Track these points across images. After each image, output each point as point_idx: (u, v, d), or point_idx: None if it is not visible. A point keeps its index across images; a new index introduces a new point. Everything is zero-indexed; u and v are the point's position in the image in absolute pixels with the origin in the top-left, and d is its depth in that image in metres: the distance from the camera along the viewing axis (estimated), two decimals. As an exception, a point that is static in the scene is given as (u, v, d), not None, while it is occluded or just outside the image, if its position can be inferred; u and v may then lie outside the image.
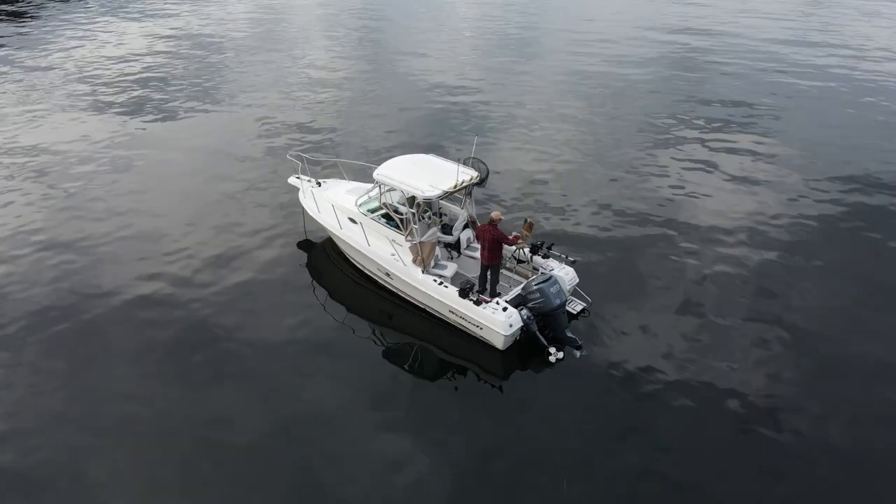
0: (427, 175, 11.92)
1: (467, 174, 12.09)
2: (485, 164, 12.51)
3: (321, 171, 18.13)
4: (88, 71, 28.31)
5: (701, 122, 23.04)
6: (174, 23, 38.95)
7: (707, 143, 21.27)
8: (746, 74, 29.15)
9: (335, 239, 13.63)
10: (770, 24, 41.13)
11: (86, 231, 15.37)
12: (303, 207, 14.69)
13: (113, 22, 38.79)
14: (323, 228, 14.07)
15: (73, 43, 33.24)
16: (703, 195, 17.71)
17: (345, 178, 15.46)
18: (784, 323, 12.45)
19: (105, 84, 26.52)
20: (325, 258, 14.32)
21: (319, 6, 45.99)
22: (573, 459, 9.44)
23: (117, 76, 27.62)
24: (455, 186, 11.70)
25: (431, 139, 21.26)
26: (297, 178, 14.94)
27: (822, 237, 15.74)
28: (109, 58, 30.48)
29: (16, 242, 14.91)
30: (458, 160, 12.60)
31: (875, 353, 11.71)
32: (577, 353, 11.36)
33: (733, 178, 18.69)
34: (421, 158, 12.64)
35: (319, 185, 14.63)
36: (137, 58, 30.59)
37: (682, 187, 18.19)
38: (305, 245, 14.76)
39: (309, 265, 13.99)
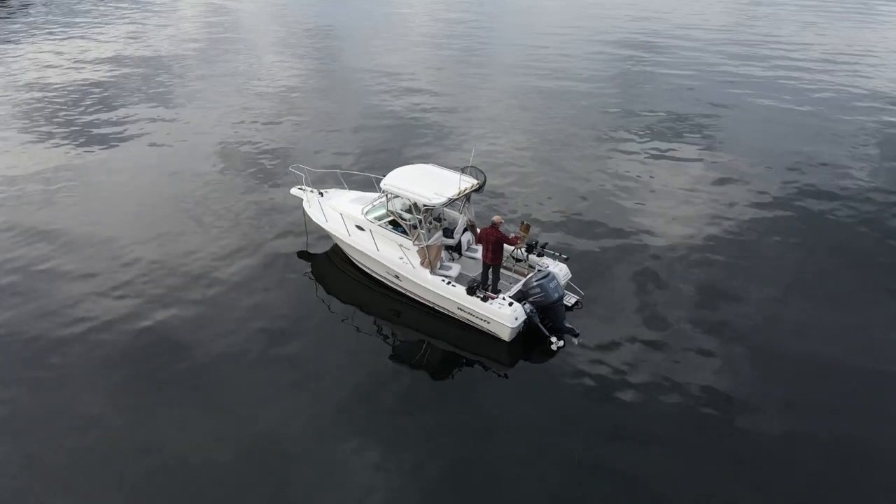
0: (431, 183, 12.95)
1: (468, 182, 13.16)
2: (482, 172, 13.62)
3: (315, 182, 19.00)
4: (33, 90, 28.47)
5: (646, 132, 24.48)
6: (122, 39, 39.11)
7: (657, 152, 22.74)
8: (696, 86, 30.89)
9: (343, 246, 14.55)
10: (712, 36, 43.24)
11: (81, 239, 15.95)
12: (306, 217, 15.54)
13: (60, 39, 38.72)
14: (327, 236, 14.90)
15: (14, 62, 33.21)
16: (655, 199, 19.17)
17: (345, 188, 16.36)
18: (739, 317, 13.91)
19: (60, 104, 26.74)
20: (329, 264, 15.20)
21: (272, 19, 46.58)
22: (579, 436, 10.60)
23: (69, 93, 27.87)
24: (458, 193, 12.76)
25: (413, 149, 22.31)
26: (301, 188, 15.77)
27: (780, 236, 17.33)
28: (59, 74, 30.60)
29: None
30: (458, 169, 13.68)
31: (816, 348, 13.21)
32: (576, 341, 12.53)
33: (683, 186, 20.12)
34: (424, 168, 13.66)
35: (322, 195, 15.51)
36: (83, 75, 30.83)
37: (634, 192, 19.64)
38: (308, 254, 15.59)
39: (315, 272, 14.84)
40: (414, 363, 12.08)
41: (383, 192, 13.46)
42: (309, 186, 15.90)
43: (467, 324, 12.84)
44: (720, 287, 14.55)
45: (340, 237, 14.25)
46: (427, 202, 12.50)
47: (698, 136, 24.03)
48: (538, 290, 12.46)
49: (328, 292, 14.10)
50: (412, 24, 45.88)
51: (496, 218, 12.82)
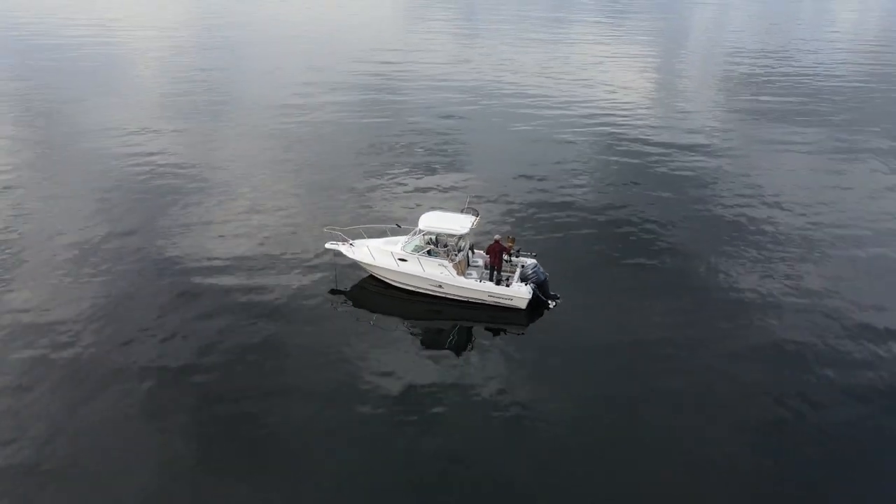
0: (452, 221, 20.04)
1: (472, 217, 20.42)
2: (476, 210, 21.00)
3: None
4: None
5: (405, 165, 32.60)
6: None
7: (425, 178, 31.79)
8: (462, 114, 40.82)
9: (389, 274, 20.79)
10: (440, 71, 54.99)
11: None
12: (336, 260, 21.41)
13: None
14: (349, 275, 20.93)
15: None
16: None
17: (364, 236, 22.34)
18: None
19: None
20: (364, 291, 21.27)
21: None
22: (580, 367, 18.51)
23: None
24: (472, 224, 20.01)
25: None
26: (335, 244, 21.55)
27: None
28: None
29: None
30: (461, 210, 20.92)
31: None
32: (559, 301, 20.43)
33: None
34: (440, 213, 20.68)
35: (353, 245, 21.50)
36: None
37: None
38: (338, 291, 21.26)
39: (353, 299, 20.80)
40: (466, 336, 19.10)
41: (421, 231, 20.17)
42: (346, 239, 21.57)
43: (495, 305, 20.09)
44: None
45: (389, 268, 20.54)
46: (458, 232, 19.61)
47: (448, 161, 33.03)
48: (533, 275, 20.17)
49: (373, 312, 20.26)
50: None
51: (498, 236, 20.31)
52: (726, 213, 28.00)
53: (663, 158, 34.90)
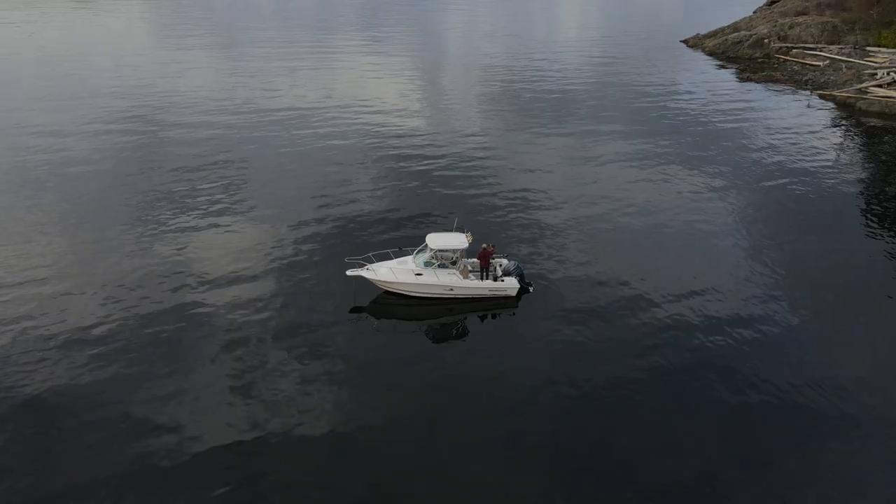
0: (454, 238, 26.39)
1: (465, 234, 26.79)
2: (464, 227, 27.42)
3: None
4: None
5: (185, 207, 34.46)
6: None
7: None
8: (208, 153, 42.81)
9: (408, 287, 26.58)
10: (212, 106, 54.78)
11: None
12: (356, 281, 26.70)
13: None
14: (363, 293, 26.56)
15: None
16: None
17: (374, 260, 27.61)
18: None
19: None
20: (382, 304, 26.86)
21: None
22: (564, 334, 25.84)
23: None
24: (468, 239, 26.43)
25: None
26: (355, 270, 26.77)
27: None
28: None
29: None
30: (454, 228, 27.24)
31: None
32: (533, 287, 27.52)
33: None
34: (443, 234, 26.97)
35: (369, 269, 26.87)
36: None
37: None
38: (357, 308, 26.69)
39: (375, 313, 26.40)
40: (476, 322, 25.70)
41: (430, 248, 26.16)
42: (365, 264, 26.85)
43: (493, 296, 26.73)
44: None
45: (408, 282, 26.36)
46: (460, 247, 26.02)
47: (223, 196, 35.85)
48: (515, 270, 27.12)
49: (393, 318, 26.12)
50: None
51: (484, 245, 26.99)
52: (500, 208, 35.67)
53: (431, 165, 41.79)
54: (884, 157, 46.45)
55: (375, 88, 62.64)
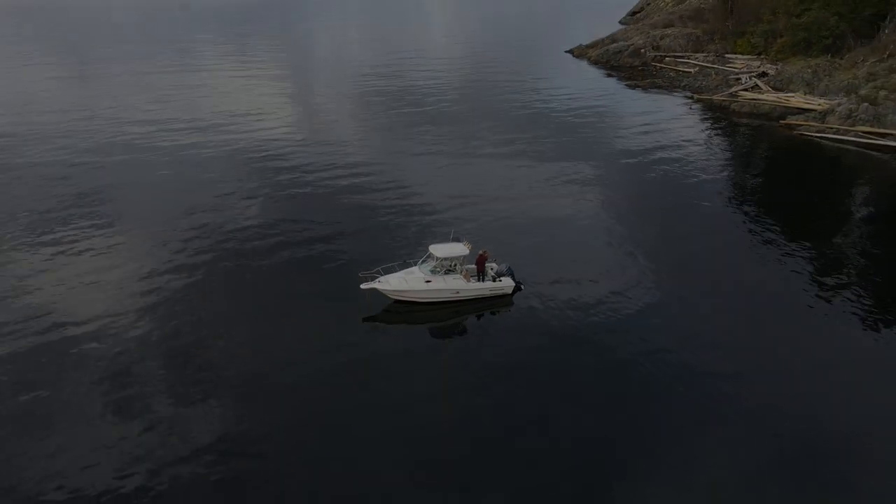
0: (455, 248, 29.49)
1: (465, 244, 29.99)
2: (463, 237, 30.61)
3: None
4: None
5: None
6: None
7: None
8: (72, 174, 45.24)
9: (419, 294, 29.27)
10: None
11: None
12: (369, 293, 29.09)
13: None
14: (373, 303, 29.16)
15: None
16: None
17: (381, 274, 30.01)
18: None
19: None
20: (393, 310, 29.48)
21: None
22: (552, 326, 29.86)
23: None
24: (468, 248, 29.66)
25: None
26: (367, 284, 29.11)
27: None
28: None
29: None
30: (452, 239, 30.34)
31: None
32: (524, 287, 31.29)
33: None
34: (445, 244, 29.83)
35: (381, 281, 29.35)
36: None
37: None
38: (371, 316, 29.21)
39: (388, 320, 29.03)
40: (479, 319, 29.13)
41: (434, 257, 29.08)
42: (373, 278, 29.22)
43: (492, 296, 30.13)
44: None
45: (419, 289, 29.12)
46: (463, 254, 29.22)
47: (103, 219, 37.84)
48: (508, 271, 30.73)
49: (406, 323, 28.92)
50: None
51: (481, 251, 30.32)
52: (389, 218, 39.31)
53: (320, 177, 45.45)
54: (746, 150, 56.38)
55: (242, 102, 66.34)
